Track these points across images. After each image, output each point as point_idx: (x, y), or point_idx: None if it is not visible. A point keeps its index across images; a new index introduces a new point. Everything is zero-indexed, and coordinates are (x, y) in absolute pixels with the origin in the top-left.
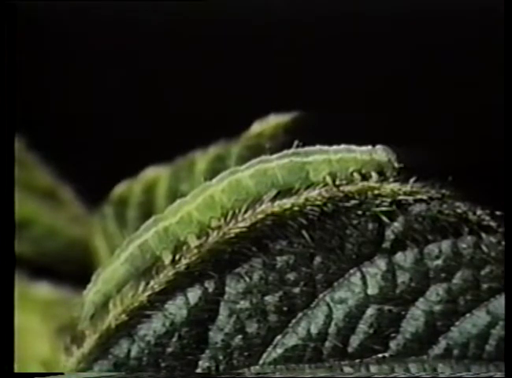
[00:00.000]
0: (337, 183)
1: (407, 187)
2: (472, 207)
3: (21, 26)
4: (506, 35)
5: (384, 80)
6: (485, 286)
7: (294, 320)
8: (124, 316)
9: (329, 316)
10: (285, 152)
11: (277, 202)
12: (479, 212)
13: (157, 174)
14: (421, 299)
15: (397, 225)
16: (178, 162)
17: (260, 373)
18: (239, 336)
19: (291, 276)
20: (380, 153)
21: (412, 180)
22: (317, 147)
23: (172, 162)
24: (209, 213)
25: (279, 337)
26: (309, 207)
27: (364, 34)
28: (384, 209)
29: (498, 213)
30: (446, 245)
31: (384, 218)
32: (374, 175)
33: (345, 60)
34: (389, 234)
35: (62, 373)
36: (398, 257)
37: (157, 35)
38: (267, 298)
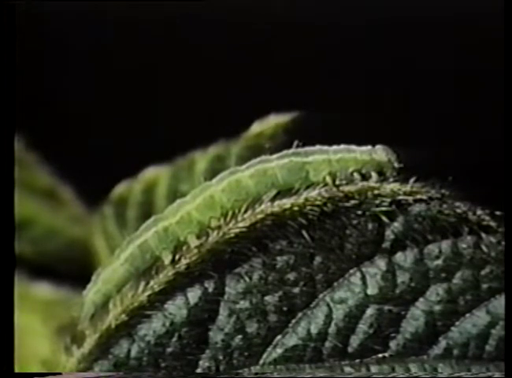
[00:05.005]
0: (337, 183)
1: (407, 187)
2: (472, 207)
3: (21, 26)
4: (506, 35)
5: (384, 80)
6: (485, 286)
7: (294, 320)
8: (124, 316)
9: (329, 316)
10: (285, 152)
11: (277, 202)
12: (479, 212)
13: (157, 174)
14: (421, 299)
15: (397, 225)
16: (178, 162)
17: (260, 373)
18: (239, 336)
19: (291, 276)
20: (380, 153)
21: (412, 180)
22: (317, 147)
23: (172, 162)
24: (209, 213)
25: (279, 337)
26: (309, 207)
27: (364, 34)
28: (383, 209)
29: (498, 213)
30: (446, 245)
31: (384, 218)
32: (374, 175)
33: (345, 60)
34: (389, 234)
35: (62, 373)
36: (398, 257)
37: (157, 35)
38: (267, 298)
